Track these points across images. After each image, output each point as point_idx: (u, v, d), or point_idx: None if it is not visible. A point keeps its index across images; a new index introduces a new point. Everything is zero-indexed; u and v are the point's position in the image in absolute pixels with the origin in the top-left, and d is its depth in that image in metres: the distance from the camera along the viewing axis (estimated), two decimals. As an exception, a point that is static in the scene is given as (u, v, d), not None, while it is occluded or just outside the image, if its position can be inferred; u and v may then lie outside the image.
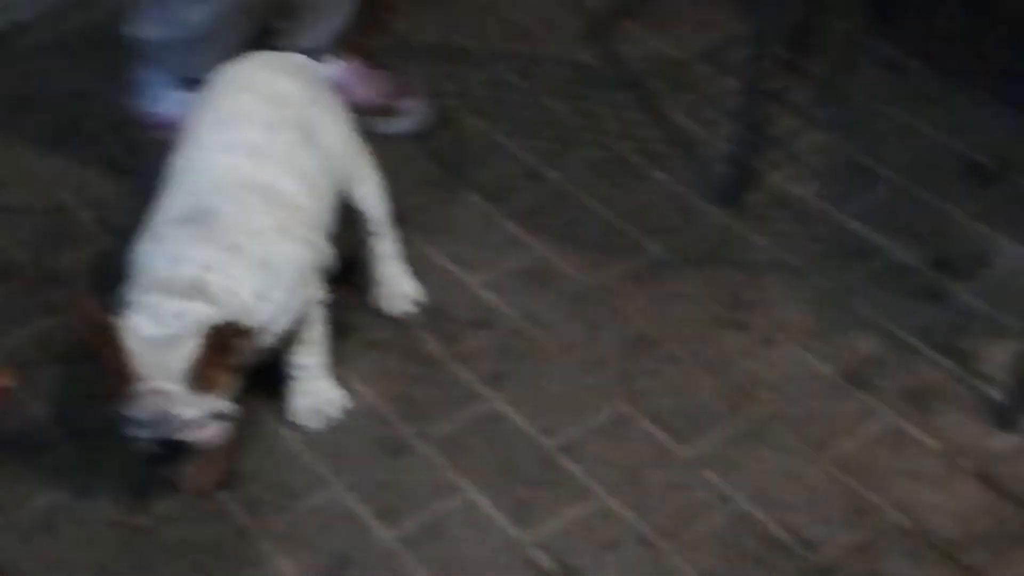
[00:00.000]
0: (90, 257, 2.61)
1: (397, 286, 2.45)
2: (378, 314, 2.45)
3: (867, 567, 2.06)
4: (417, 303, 2.46)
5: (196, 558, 2.12)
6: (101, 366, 1.99)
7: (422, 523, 2.15)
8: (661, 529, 2.12)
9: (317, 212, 2.22)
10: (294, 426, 2.27)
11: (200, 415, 2.01)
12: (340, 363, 2.30)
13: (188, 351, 1.97)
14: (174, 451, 2.05)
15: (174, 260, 2.05)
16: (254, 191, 2.13)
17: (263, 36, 2.66)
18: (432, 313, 2.47)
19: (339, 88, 2.49)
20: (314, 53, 2.55)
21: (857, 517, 2.12)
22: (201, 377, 1.98)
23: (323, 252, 2.21)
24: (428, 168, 2.74)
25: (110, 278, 2.59)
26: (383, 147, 2.46)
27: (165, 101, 2.69)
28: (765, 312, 2.44)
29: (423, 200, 2.67)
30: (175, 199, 2.14)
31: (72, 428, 2.33)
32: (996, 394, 2.27)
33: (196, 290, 2.01)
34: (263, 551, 2.13)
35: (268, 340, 2.11)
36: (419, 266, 2.52)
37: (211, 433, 2.05)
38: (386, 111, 2.76)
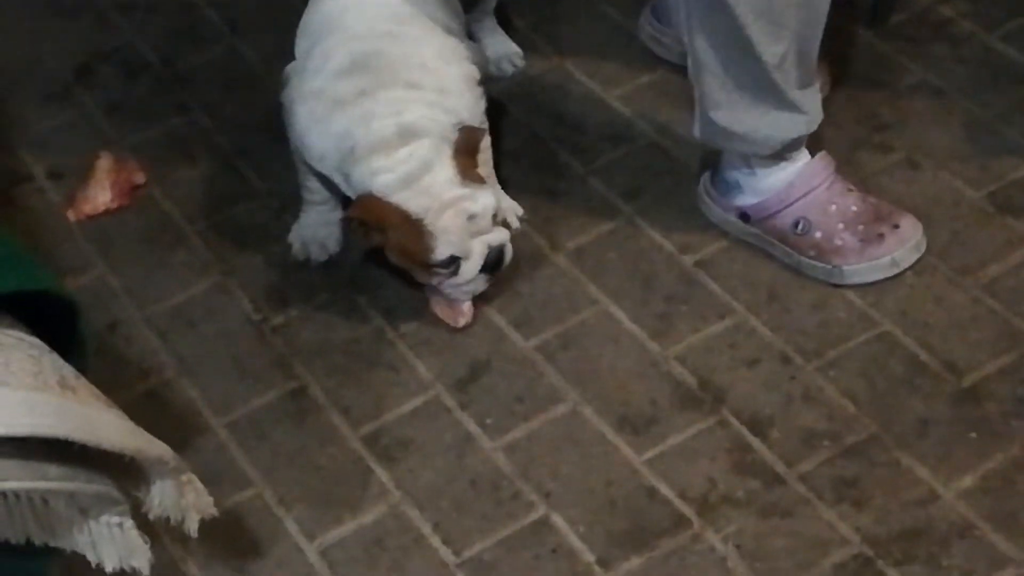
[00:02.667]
0: (218, 57, 2.59)
1: (502, 47, 2.52)
2: (512, 126, 2.41)
3: (1012, 391, 2.02)
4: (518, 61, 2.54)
5: (331, 358, 2.13)
6: (397, 251, 2.05)
7: (558, 333, 2.13)
8: (801, 348, 2.08)
9: (459, 24, 2.24)
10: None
11: (494, 213, 2.06)
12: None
13: (447, 168, 2.02)
14: (495, 269, 2.10)
15: (366, 119, 2.04)
16: (404, 23, 2.13)
17: None
18: (568, 127, 2.42)
19: None
20: None
21: (1003, 342, 2.07)
22: (471, 182, 2.04)
23: (478, 61, 2.22)
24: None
25: (238, 79, 2.58)
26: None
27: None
28: (911, 135, 2.37)
29: (559, 11, 2.61)
30: (330, 50, 2.11)
31: (203, 227, 2.33)
32: None
33: (410, 134, 2.02)
34: (399, 352, 2.13)
35: None
36: (554, 79, 2.47)
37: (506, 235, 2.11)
38: None
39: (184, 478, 1.46)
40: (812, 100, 2.11)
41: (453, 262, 2.04)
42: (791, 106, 2.07)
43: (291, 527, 1.95)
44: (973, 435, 1.98)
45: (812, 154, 2.18)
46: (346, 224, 2.14)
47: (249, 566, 1.91)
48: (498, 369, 2.09)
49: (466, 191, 2.02)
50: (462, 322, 2.14)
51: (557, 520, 1.92)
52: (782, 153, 2.14)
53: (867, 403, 2.02)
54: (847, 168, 2.26)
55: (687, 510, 1.92)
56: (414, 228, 2.01)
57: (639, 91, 2.48)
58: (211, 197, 2.37)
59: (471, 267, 2.05)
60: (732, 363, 2.08)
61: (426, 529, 1.93)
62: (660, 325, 2.13)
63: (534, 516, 1.93)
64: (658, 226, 2.26)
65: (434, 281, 2.10)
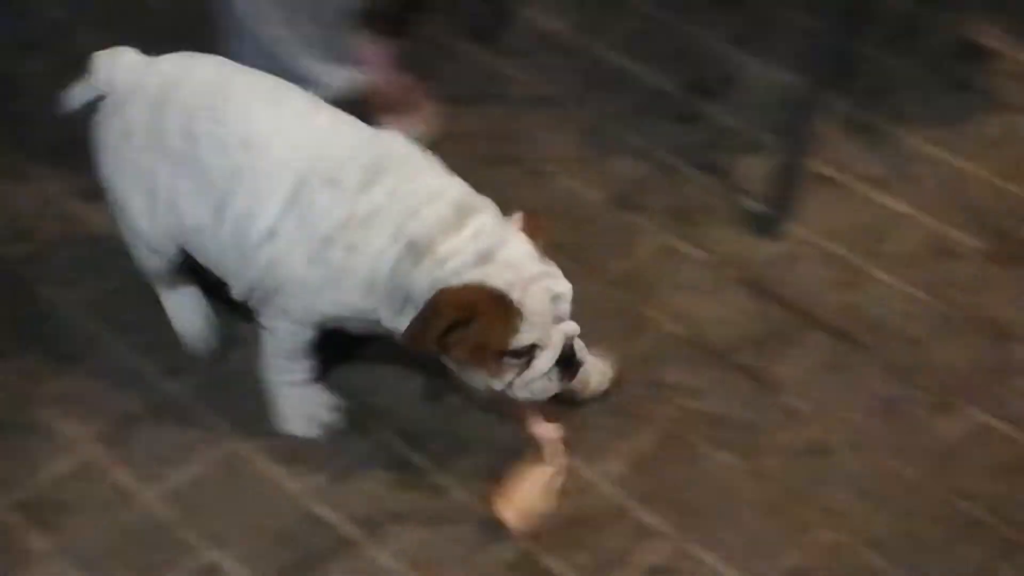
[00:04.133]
0: None
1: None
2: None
3: (648, 376, 2.14)
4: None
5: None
6: (475, 342, 1.80)
7: (211, 376, 2.13)
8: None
9: None
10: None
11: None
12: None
13: (523, 241, 1.84)
14: (569, 364, 1.87)
15: (413, 213, 1.84)
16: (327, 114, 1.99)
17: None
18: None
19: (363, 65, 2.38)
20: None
21: (636, 331, 2.20)
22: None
23: None
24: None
25: None
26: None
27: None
28: (533, 145, 2.48)
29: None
30: (312, 187, 1.88)
31: None
32: (755, 205, 2.37)
33: (468, 208, 1.85)
34: (42, 415, 2.08)
35: None
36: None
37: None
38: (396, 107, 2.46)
39: None
40: None
41: (530, 351, 1.82)
42: None
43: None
44: (615, 422, 2.09)
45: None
46: (415, 343, 1.83)
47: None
48: (150, 419, 2.08)
49: (548, 267, 1.84)
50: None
51: (226, 562, 1.92)
52: None
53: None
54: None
55: (354, 531, 1.95)
56: (500, 307, 1.78)
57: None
58: None
59: (548, 357, 1.82)
60: (385, 384, 2.13)
61: (94, 590, 1.90)
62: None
63: (202, 561, 1.92)
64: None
65: (503, 380, 1.84)
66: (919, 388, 2.10)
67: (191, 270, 2.10)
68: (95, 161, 2.01)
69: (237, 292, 1.98)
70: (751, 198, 2.39)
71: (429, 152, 1.91)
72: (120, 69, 1.99)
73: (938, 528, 1.93)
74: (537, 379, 1.84)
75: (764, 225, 2.33)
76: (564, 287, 1.83)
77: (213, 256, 1.96)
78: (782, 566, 1.90)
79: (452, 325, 1.78)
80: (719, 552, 1.92)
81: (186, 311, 2.17)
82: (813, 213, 2.35)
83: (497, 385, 1.85)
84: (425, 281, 1.80)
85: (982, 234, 2.31)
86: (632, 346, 2.17)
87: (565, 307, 1.83)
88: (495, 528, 1.93)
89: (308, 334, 1.98)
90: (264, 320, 1.98)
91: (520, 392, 1.86)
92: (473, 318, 1.78)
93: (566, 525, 1.95)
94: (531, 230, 1.86)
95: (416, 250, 1.81)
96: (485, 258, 1.80)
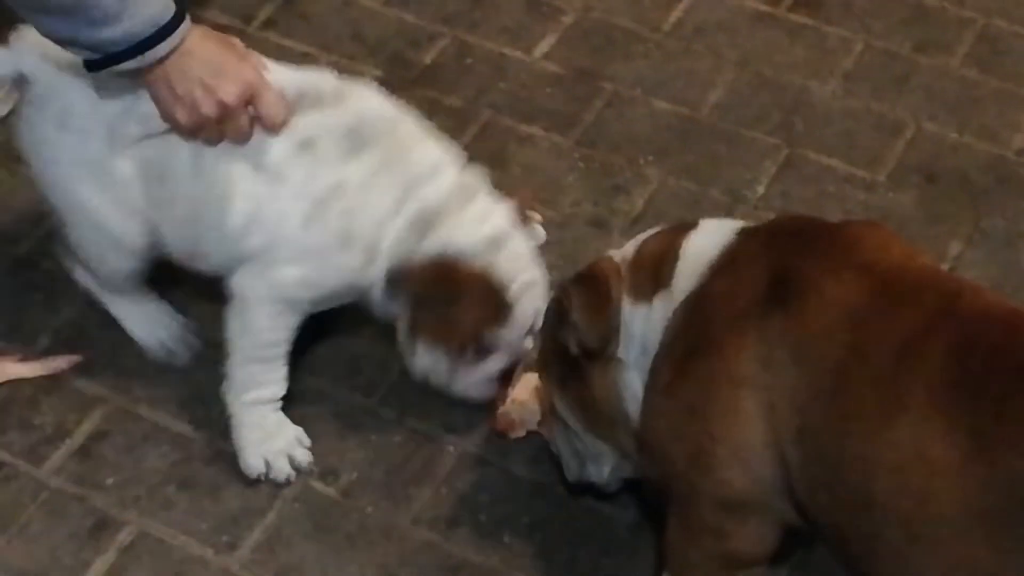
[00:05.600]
0: None
1: None
2: None
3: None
4: None
5: None
6: (448, 324, 1.78)
7: None
8: None
9: None
10: None
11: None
12: None
13: (525, 238, 1.85)
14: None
15: (415, 185, 1.80)
16: None
17: None
18: None
19: None
20: None
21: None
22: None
23: None
24: None
25: None
26: None
27: None
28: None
29: None
30: (291, 163, 1.79)
31: None
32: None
33: (469, 188, 1.84)
34: None
35: None
36: None
37: None
38: None
39: None
40: None
41: (490, 350, 1.83)
42: None
43: None
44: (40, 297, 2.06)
45: None
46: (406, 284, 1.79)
47: None
48: None
49: (541, 270, 1.86)
50: (522, 432, 1.93)
51: None
52: None
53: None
54: None
55: None
56: (494, 298, 1.78)
57: None
58: None
59: (502, 361, 1.85)
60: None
61: None
62: None
63: None
64: None
65: (455, 370, 1.84)
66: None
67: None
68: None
69: (216, 263, 1.83)
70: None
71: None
72: (30, 53, 1.78)
73: (369, 344, 2.01)
74: (483, 379, 1.85)
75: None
76: (543, 303, 1.80)
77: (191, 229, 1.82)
78: (222, 407, 1.94)
79: (443, 296, 1.77)
80: (157, 405, 1.93)
81: (149, 321, 1.98)
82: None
83: (442, 368, 1.83)
84: (425, 248, 1.78)
85: (379, 63, 2.39)
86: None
87: (538, 323, 1.80)
88: None
89: (292, 320, 1.82)
90: (241, 305, 1.81)
91: (458, 384, 1.86)
92: (462, 296, 1.76)
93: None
94: (524, 207, 1.88)
95: (424, 221, 1.78)
96: (494, 245, 1.79)
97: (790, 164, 2.24)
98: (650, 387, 1.55)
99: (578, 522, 1.82)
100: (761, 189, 2.20)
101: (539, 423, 1.90)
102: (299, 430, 1.89)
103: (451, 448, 1.90)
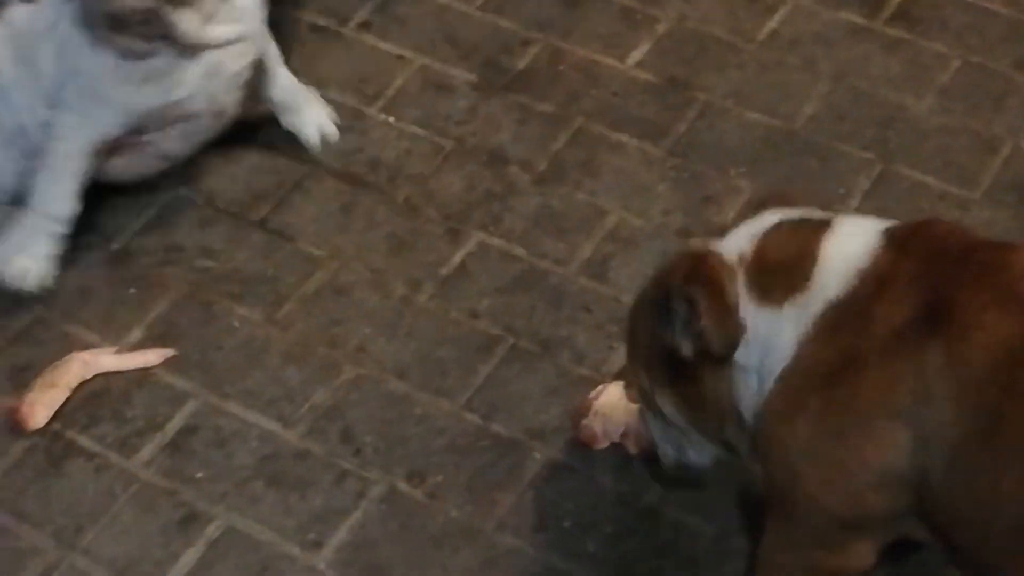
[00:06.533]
0: None
1: None
2: None
3: (160, 242, 2.13)
4: None
5: None
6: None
7: None
8: None
9: None
10: None
11: None
12: None
13: None
14: None
15: None
16: None
17: None
18: None
19: None
20: None
21: (146, 201, 2.19)
22: None
23: None
24: None
25: None
26: None
27: None
28: None
29: None
30: None
31: None
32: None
33: None
34: None
35: None
36: None
37: None
38: None
39: None
40: None
41: None
42: None
43: None
44: (134, 293, 2.08)
45: None
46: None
47: None
48: None
49: None
50: (605, 444, 1.91)
51: None
52: None
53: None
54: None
55: None
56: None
57: None
58: None
59: None
60: None
61: None
62: None
63: None
64: None
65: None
66: (427, 220, 2.18)
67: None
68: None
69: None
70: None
71: None
72: None
73: (455, 348, 2.02)
74: None
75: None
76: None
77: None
78: (312, 405, 1.95)
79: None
80: (246, 402, 1.95)
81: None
82: (308, 63, 2.37)
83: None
84: None
85: (472, 67, 2.40)
86: (143, 216, 2.16)
87: None
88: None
89: (94, 135, 2.01)
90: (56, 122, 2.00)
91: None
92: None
93: (88, 402, 1.94)
94: None
95: None
96: None
97: (884, 180, 2.22)
98: (780, 398, 1.46)
99: (662, 533, 1.82)
100: (854, 204, 2.18)
101: (622, 435, 1.89)
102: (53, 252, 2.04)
103: (536, 454, 1.90)
